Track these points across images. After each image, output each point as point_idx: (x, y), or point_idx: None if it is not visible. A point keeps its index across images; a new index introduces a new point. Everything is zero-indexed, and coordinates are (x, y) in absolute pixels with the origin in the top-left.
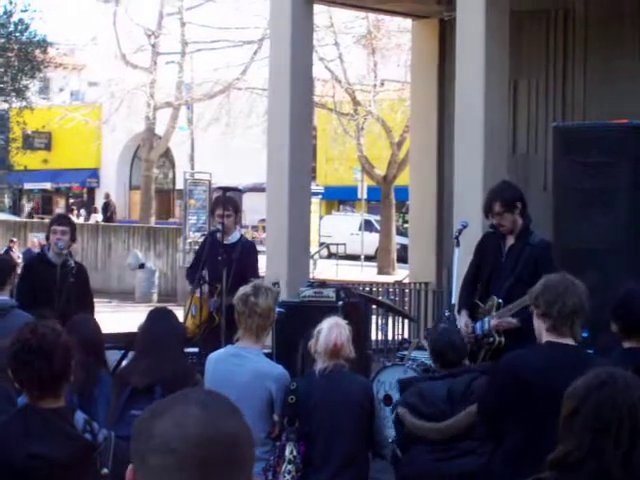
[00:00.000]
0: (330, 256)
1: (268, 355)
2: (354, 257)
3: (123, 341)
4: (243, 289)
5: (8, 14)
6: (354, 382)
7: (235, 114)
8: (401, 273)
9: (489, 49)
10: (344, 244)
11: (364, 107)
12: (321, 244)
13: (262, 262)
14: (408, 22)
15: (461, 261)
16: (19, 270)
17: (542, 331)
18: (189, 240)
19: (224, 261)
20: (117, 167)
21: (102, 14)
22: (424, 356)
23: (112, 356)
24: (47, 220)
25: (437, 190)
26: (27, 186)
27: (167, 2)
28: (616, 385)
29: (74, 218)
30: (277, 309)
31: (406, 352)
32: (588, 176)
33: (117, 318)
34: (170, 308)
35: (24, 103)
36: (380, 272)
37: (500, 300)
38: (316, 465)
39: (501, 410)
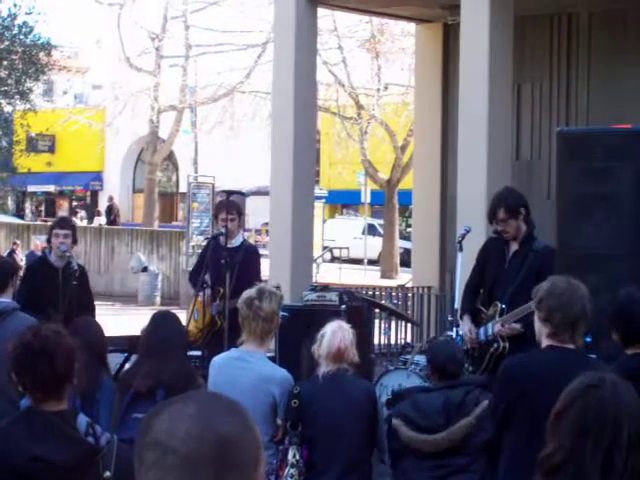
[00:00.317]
0: (333, 260)
1: (271, 359)
2: (357, 261)
3: (126, 344)
4: (247, 293)
5: (12, 17)
6: (357, 386)
7: (239, 117)
8: (404, 277)
9: (493, 53)
10: (347, 248)
11: (368, 111)
12: (324, 248)
13: (265, 266)
14: (412, 26)
15: (464, 266)
16: (21, 273)
17: (543, 334)
18: (192, 243)
19: (227, 264)
20: (121, 170)
21: (106, 17)
22: None
23: (115, 359)
24: (50, 223)
25: (440, 194)
26: (31, 189)
27: (171, 5)
28: (604, 390)
29: (77, 221)
30: (281, 313)
31: (409, 356)
32: (592, 181)
33: (120, 321)
34: (173, 311)
35: (28, 106)
36: (383, 276)
37: (504, 306)
38: (319, 469)
39: (507, 416)
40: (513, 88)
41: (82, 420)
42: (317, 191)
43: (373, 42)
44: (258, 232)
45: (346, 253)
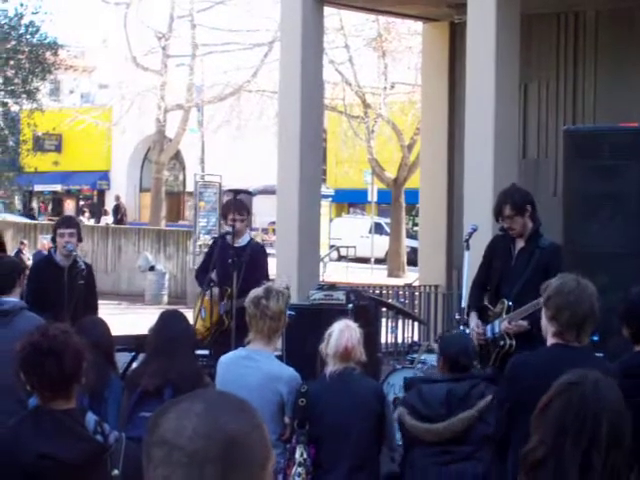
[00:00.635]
0: (340, 259)
1: (278, 358)
2: (364, 260)
3: (133, 343)
4: (254, 292)
5: (19, 16)
6: (365, 385)
7: (246, 116)
8: (411, 276)
9: (499, 52)
10: (354, 247)
11: (374, 110)
12: (331, 247)
13: (272, 264)
14: (419, 25)
15: (471, 264)
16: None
17: (549, 332)
18: (199, 242)
19: (234, 263)
20: (127, 169)
21: (113, 16)
22: (434, 359)
23: (122, 358)
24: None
25: (447, 193)
26: (37, 188)
27: (178, 5)
28: (585, 387)
29: (84, 220)
30: (288, 312)
31: (416, 355)
32: (598, 179)
33: (127, 320)
34: (181, 310)
35: (35, 105)
36: (390, 275)
37: (510, 303)
38: (326, 468)
39: (513, 413)
40: (520, 87)
41: (90, 418)
42: (324, 190)
43: (380, 41)
44: (265, 231)
45: (353, 252)
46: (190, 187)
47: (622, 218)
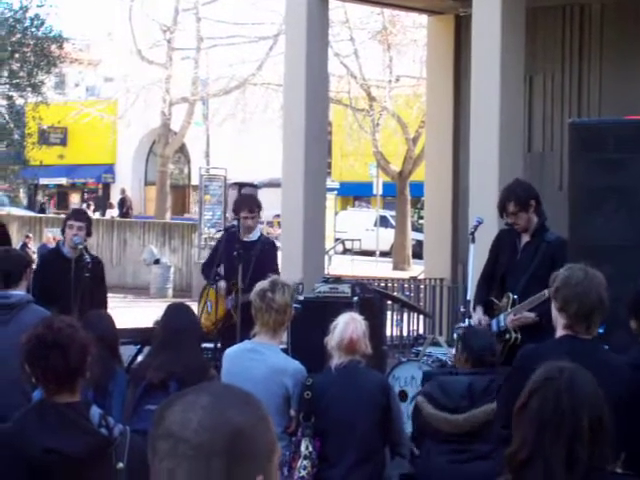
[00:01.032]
0: (345, 252)
1: (283, 351)
2: (369, 253)
3: (138, 336)
4: (260, 284)
5: (24, 9)
6: (370, 378)
7: (251, 110)
8: (416, 269)
9: (505, 45)
10: (359, 240)
11: (379, 103)
12: (336, 240)
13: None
14: (424, 18)
15: (476, 257)
16: (34, 266)
17: (559, 324)
18: (204, 236)
19: (240, 257)
20: (132, 162)
21: (118, 9)
22: (439, 352)
23: (127, 351)
24: (63, 215)
25: (453, 186)
26: (42, 181)
27: None
28: (560, 381)
29: (90, 213)
30: (293, 305)
31: (421, 348)
32: (604, 172)
33: (132, 313)
34: (187, 304)
35: (40, 98)
36: (395, 268)
37: (516, 297)
38: (331, 461)
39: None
40: (525, 80)
41: (95, 412)
42: (329, 183)
43: (385, 34)
44: (270, 224)
45: (358, 245)
46: (195, 180)
47: (627, 211)
